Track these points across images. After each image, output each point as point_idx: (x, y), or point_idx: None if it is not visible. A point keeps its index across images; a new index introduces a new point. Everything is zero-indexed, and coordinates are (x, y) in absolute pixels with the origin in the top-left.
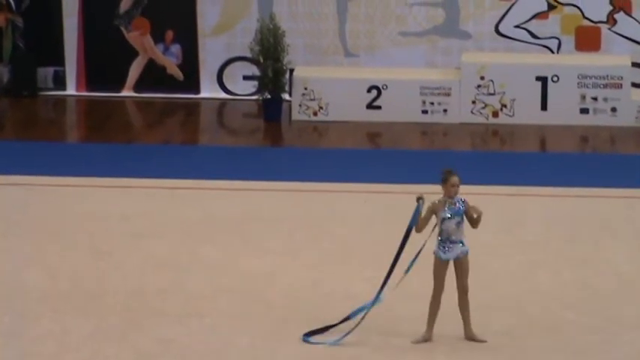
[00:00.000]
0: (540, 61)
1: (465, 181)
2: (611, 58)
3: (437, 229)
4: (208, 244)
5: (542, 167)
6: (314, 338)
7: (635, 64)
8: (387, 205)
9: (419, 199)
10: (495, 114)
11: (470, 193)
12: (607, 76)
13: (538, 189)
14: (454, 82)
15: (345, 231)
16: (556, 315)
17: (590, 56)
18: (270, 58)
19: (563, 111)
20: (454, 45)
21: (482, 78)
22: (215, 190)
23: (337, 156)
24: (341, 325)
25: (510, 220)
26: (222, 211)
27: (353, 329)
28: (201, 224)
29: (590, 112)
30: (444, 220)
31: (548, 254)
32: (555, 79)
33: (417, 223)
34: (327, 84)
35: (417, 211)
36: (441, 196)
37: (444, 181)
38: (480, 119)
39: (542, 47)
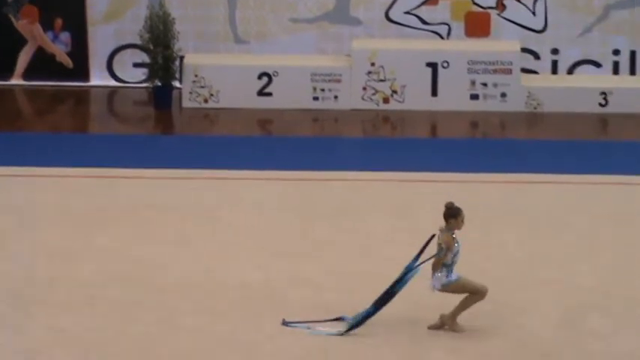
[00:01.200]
0: (430, 47)
1: (357, 168)
2: (501, 43)
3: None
4: (100, 232)
5: (432, 153)
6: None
7: (524, 50)
8: (279, 191)
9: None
10: (386, 100)
11: (361, 180)
12: (497, 61)
13: (429, 174)
14: (345, 69)
15: (236, 218)
16: (447, 300)
17: (480, 42)
18: (160, 45)
19: (454, 97)
20: (345, 31)
21: (372, 64)
22: (106, 178)
23: (228, 143)
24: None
25: (402, 207)
26: (114, 200)
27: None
28: (93, 213)
29: (480, 97)
30: (458, 252)
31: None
32: (445, 65)
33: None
34: (218, 71)
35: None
36: (441, 230)
37: (454, 216)
38: (371, 105)
39: (432, 33)
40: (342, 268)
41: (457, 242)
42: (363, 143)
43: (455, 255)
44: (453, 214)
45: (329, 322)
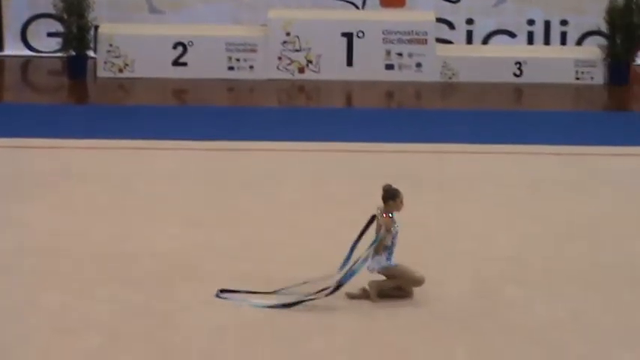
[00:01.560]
0: (345, 17)
1: (272, 138)
2: (416, 14)
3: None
4: (15, 202)
5: (348, 123)
6: (229, 295)
7: (439, 20)
8: (194, 161)
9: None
10: (301, 70)
11: (276, 150)
12: (412, 31)
13: (344, 144)
14: (260, 39)
15: (151, 188)
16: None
17: (395, 12)
18: (74, 14)
19: (369, 67)
20: (260, 1)
21: (288, 34)
22: (20, 147)
23: (143, 113)
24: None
25: (317, 176)
26: (28, 169)
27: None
28: (7, 183)
29: (396, 67)
30: (397, 233)
31: (354, 210)
32: (360, 35)
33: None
34: (133, 41)
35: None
36: (380, 210)
37: (392, 198)
38: (287, 75)
39: (347, 3)
40: (258, 238)
41: (395, 224)
42: (279, 113)
43: (394, 237)
44: (391, 195)
45: (261, 294)
